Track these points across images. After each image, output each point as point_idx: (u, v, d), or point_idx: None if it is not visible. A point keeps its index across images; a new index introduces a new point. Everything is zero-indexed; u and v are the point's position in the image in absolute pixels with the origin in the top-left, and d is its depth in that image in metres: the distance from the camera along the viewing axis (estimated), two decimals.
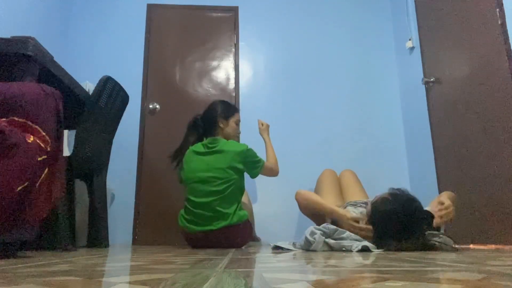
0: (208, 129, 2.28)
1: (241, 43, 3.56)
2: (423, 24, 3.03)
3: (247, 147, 2.17)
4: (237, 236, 2.08)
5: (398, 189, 1.70)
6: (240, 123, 2.40)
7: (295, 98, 3.45)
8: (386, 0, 3.73)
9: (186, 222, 2.09)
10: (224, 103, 2.37)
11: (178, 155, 2.28)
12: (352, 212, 1.91)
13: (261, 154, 2.29)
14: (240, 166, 2.12)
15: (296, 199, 2.25)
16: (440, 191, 2.74)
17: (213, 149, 2.15)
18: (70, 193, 2.09)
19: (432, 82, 2.84)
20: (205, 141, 2.23)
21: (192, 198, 2.08)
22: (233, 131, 2.30)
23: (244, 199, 2.32)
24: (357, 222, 1.79)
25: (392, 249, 1.58)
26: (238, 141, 2.36)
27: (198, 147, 2.21)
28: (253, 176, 2.22)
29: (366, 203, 2.09)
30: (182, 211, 2.16)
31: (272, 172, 2.31)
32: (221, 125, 2.25)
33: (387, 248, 1.58)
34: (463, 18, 2.50)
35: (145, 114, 3.32)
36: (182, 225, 2.11)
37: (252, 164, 2.18)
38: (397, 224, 1.56)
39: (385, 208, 1.61)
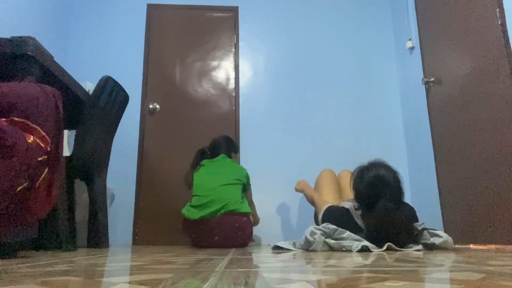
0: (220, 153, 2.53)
1: (241, 43, 3.56)
2: (423, 24, 3.03)
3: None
4: (239, 227, 2.11)
5: (375, 161, 1.85)
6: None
7: (295, 98, 3.45)
8: (386, 0, 3.73)
9: (191, 208, 2.19)
10: (230, 139, 2.65)
11: (188, 176, 2.49)
12: (344, 204, 2.00)
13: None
14: (244, 181, 2.36)
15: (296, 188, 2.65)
16: (440, 191, 2.74)
17: (222, 160, 2.43)
18: (70, 193, 2.09)
19: (432, 82, 2.84)
20: (220, 155, 2.48)
21: (204, 185, 2.23)
22: None
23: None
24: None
25: (373, 221, 1.63)
26: None
27: (208, 162, 2.45)
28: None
29: None
30: (186, 205, 2.26)
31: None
32: (232, 157, 2.53)
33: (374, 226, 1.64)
34: (463, 18, 2.50)
35: (145, 114, 3.32)
36: (186, 213, 2.19)
37: (248, 185, 2.47)
38: (373, 185, 1.70)
39: (363, 175, 1.77)
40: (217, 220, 2.10)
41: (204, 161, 2.44)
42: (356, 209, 1.84)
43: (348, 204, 1.95)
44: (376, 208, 1.63)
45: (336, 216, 1.85)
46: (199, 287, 0.50)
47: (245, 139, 3.31)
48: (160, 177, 3.19)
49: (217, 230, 2.10)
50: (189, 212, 2.18)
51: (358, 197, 1.78)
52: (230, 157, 2.52)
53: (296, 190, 2.65)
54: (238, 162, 2.72)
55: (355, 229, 1.75)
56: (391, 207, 1.62)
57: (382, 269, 0.73)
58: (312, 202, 2.39)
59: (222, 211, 2.11)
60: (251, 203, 2.50)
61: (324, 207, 2.00)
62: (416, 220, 1.76)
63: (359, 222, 1.79)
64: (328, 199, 2.32)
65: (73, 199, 2.13)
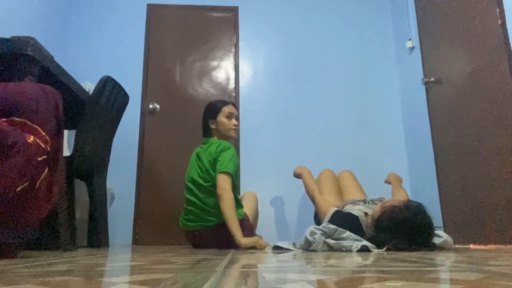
0: (205, 132, 2.31)
1: (241, 43, 3.56)
2: (423, 24, 3.03)
3: (227, 145, 2.09)
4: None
5: (411, 201, 1.71)
6: (234, 115, 2.28)
7: (295, 98, 3.45)
8: (386, 0, 3.73)
9: (184, 221, 2.17)
10: (211, 102, 2.33)
11: None
12: (351, 209, 1.93)
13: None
14: (214, 176, 2.05)
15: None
16: (440, 191, 2.74)
17: (203, 150, 2.22)
18: (70, 193, 2.09)
19: (432, 82, 2.84)
20: (202, 142, 2.31)
21: (187, 196, 2.17)
22: (224, 126, 2.22)
23: (249, 199, 2.40)
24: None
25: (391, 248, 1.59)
26: (236, 134, 2.31)
27: (198, 149, 2.30)
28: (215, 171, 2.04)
29: (364, 201, 2.12)
30: (182, 211, 2.24)
31: (224, 191, 1.94)
32: (212, 126, 2.25)
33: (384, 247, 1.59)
34: (463, 18, 2.50)
35: (145, 114, 3.32)
36: (181, 223, 2.20)
37: (218, 162, 2.04)
38: (402, 234, 1.57)
39: (394, 216, 1.61)
40: (211, 231, 2.07)
41: (197, 150, 2.27)
42: (364, 215, 1.83)
43: (355, 210, 1.92)
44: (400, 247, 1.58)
45: (344, 222, 1.82)
46: (199, 287, 0.50)
47: (245, 139, 3.31)
48: (160, 177, 3.19)
49: (213, 238, 2.08)
50: (183, 224, 2.17)
51: (380, 236, 1.65)
52: (210, 134, 2.25)
53: (294, 173, 2.54)
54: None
55: (361, 236, 1.74)
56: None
57: (382, 269, 0.73)
58: (311, 197, 2.28)
59: (212, 224, 2.06)
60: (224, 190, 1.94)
61: (331, 211, 1.97)
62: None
63: (366, 231, 1.78)
64: (329, 199, 2.30)
65: (73, 199, 2.13)
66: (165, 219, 3.07)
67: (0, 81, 1.31)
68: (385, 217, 1.64)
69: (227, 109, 2.25)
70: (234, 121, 2.26)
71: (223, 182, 1.96)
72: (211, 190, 2.07)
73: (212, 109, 2.26)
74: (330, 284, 0.53)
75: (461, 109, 2.50)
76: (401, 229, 1.57)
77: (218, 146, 2.12)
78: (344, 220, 1.84)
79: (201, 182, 2.11)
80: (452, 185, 2.59)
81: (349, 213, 1.90)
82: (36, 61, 1.56)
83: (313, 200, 2.28)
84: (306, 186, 2.41)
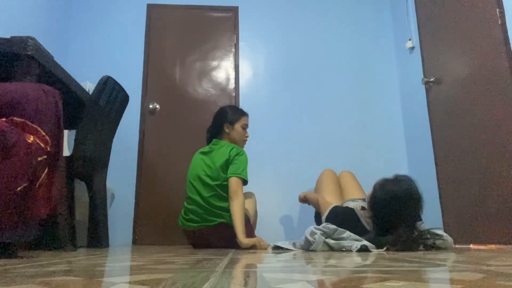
0: (215, 133, 2.33)
1: (241, 43, 3.56)
2: (423, 24, 3.03)
3: (241, 150, 2.16)
4: (234, 235, 2.09)
5: (399, 174, 1.78)
6: (247, 127, 2.34)
7: (295, 98, 3.45)
8: (386, 0, 3.73)
9: (184, 221, 2.15)
10: (231, 108, 2.39)
11: None
12: (348, 205, 1.99)
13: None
14: (228, 165, 2.11)
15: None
16: (440, 191, 2.74)
17: (213, 150, 2.22)
18: (70, 193, 2.09)
19: (432, 82, 2.84)
20: (211, 142, 2.30)
21: (189, 195, 2.15)
22: (238, 135, 2.29)
23: (248, 199, 2.38)
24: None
25: (389, 240, 1.59)
26: (243, 145, 2.33)
27: (205, 148, 2.30)
28: (227, 174, 2.09)
29: (363, 199, 2.14)
30: (182, 211, 2.22)
31: (236, 195, 2.00)
32: (227, 130, 2.28)
33: (384, 241, 1.60)
34: (463, 18, 2.50)
35: (145, 114, 3.32)
36: (181, 224, 2.18)
37: (233, 165, 2.09)
38: (397, 203, 1.63)
39: (387, 187, 1.69)
40: (212, 230, 2.07)
41: (202, 149, 2.28)
42: (361, 209, 1.85)
43: (352, 204, 1.95)
44: (398, 235, 1.60)
45: (341, 216, 1.85)
46: (199, 287, 0.50)
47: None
48: (160, 177, 3.19)
49: (214, 238, 2.08)
50: (183, 223, 2.16)
51: (377, 214, 1.71)
52: (221, 136, 2.28)
53: (300, 199, 2.57)
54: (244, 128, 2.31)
55: (360, 229, 1.75)
56: (411, 236, 1.60)
57: (382, 269, 0.73)
58: (317, 205, 2.35)
59: (214, 224, 2.06)
60: (235, 194, 1.99)
61: (329, 208, 2.00)
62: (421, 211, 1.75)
63: (364, 222, 1.79)
64: (330, 199, 2.33)
65: (73, 199, 2.13)
66: (165, 219, 3.07)
67: (0, 81, 1.31)
68: (379, 190, 1.72)
69: (245, 120, 2.33)
70: (247, 133, 2.34)
71: (237, 186, 2.03)
72: (217, 190, 2.08)
73: (231, 115, 2.30)
74: (330, 284, 0.53)
75: (461, 109, 2.50)
76: (395, 198, 1.64)
77: (232, 148, 2.16)
78: (341, 212, 1.89)
79: (208, 180, 2.10)
80: (452, 184, 2.59)
81: (346, 207, 1.94)
82: (36, 61, 1.56)
83: (318, 205, 2.33)
84: (312, 200, 2.45)
